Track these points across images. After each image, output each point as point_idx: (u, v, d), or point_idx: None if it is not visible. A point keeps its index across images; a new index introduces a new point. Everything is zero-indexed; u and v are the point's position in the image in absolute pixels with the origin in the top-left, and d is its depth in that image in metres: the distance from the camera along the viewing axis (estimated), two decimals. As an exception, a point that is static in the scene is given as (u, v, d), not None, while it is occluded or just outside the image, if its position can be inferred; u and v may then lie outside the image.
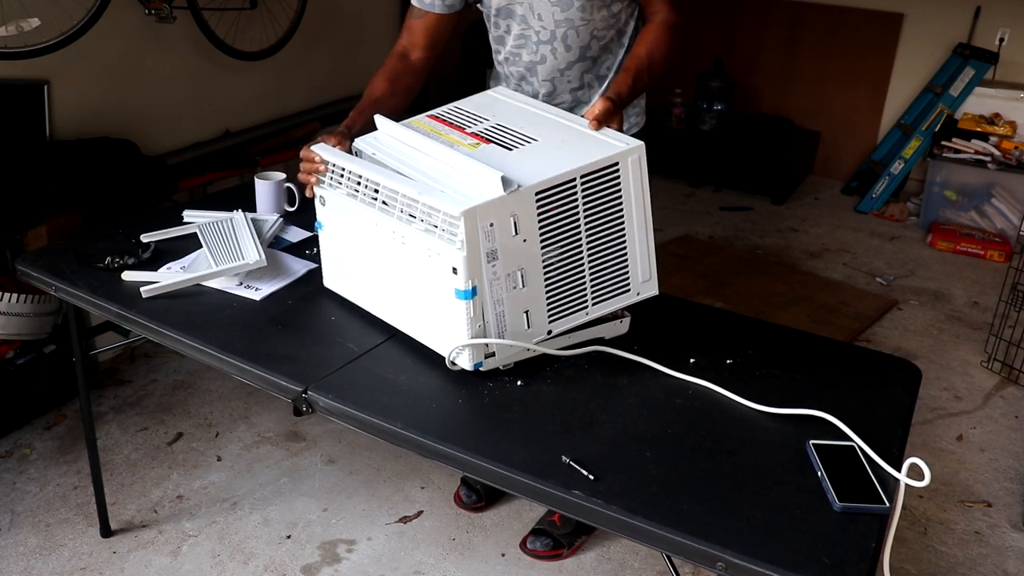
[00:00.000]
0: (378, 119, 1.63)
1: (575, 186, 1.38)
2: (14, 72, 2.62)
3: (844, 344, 1.75)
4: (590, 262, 1.44)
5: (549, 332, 1.44)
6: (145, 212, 2.77)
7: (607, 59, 1.87)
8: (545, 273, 1.39)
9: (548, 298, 1.41)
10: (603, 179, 1.40)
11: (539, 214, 1.35)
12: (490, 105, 1.66)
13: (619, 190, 1.43)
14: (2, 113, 2.64)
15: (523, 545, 2.12)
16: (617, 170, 1.41)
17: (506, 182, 1.31)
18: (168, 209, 2.09)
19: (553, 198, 1.36)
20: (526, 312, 1.39)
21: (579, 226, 1.40)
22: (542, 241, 1.37)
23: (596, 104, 1.53)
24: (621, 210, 1.44)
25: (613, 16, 1.81)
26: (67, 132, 2.83)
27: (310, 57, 3.87)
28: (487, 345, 1.39)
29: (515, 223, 1.32)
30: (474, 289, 1.32)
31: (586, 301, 1.46)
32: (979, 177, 4.29)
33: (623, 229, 1.46)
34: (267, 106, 3.73)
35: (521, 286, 1.36)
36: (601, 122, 1.51)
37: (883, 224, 4.54)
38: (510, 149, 1.45)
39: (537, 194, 1.34)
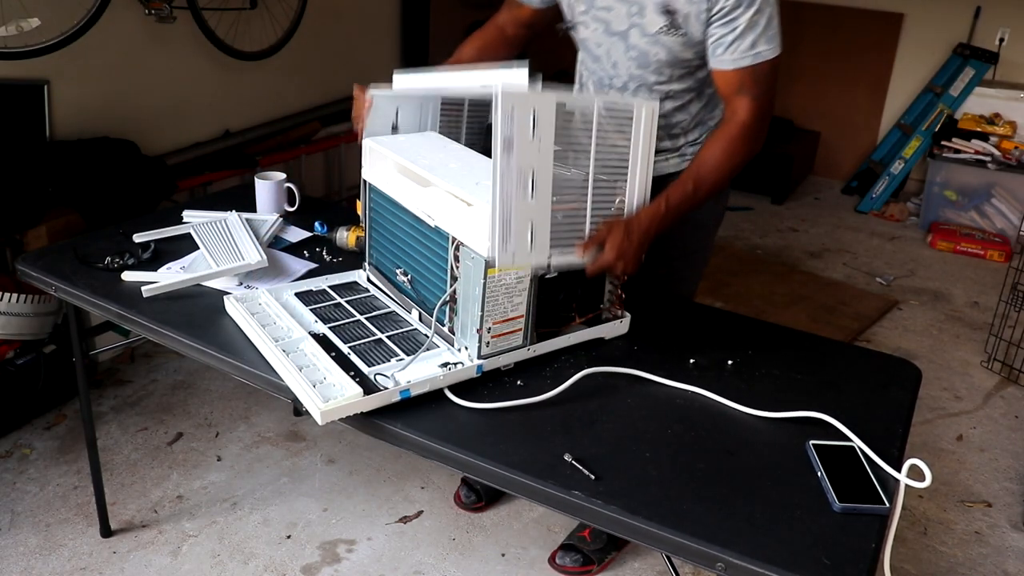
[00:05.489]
0: (397, 77, 1.63)
1: (592, 115, 1.40)
2: (14, 72, 2.62)
3: (844, 344, 1.75)
4: (594, 190, 1.45)
5: (549, 260, 1.41)
6: (145, 212, 2.76)
7: (681, 118, 1.77)
8: (553, 188, 1.39)
9: (552, 218, 1.40)
10: (619, 118, 1.43)
11: (557, 124, 1.35)
12: None
13: (628, 132, 1.45)
14: (2, 113, 2.64)
15: (552, 560, 2.09)
16: (631, 114, 1.45)
17: (532, 78, 1.33)
18: (168, 209, 2.09)
19: (571, 118, 1.38)
20: (531, 223, 1.37)
21: (589, 151, 1.41)
22: (555, 154, 1.37)
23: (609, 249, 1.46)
24: (627, 151, 1.46)
25: (696, 80, 1.70)
26: (67, 132, 2.83)
27: (310, 57, 3.87)
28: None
29: (534, 120, 1.32)
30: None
31: (583, 233, 1.46)
32: (979, 177, 4.30)
33: (626, 167, 1.48)
34: (267, 106, 3.73)
35: (530, 193, 1.36)
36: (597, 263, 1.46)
37: (883, 224, 4.54)
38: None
39: (559, 103, 1.35)
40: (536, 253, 1.40)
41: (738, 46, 1.54)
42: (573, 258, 1.44)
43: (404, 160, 1.52)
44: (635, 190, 1.50)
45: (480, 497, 2.26)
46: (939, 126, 4.51)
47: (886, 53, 4.77)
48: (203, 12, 3.15)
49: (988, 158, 4.27)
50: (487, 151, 1.50)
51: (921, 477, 1.17)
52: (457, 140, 1.70)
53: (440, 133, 1.72)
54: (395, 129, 1.70)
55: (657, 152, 1.81)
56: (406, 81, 1.63)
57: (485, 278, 1.34)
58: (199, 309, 1.61)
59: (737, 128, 1.59)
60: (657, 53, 1.62)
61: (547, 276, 1.43)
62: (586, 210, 1.45)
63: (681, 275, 1.92)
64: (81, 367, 1.97)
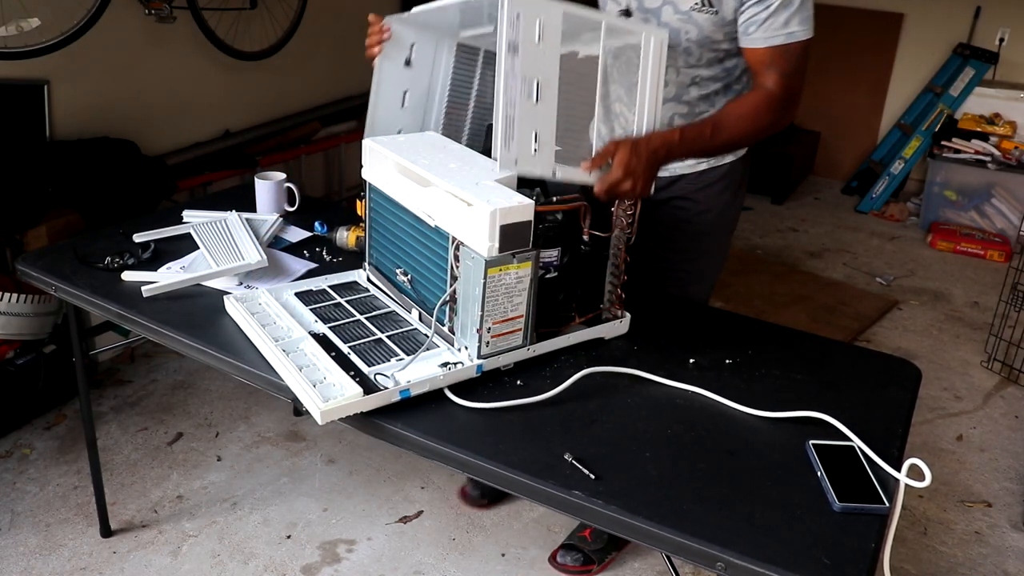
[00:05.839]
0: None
1: (600, 33, 1.39)
2: (14, 72, 2.62)
3: (844, 344, 1.75)
4: (601, 108, 1.44)
5: (553, 173, 1.40)
6: (145, 212, 2.77)
7: (705, 109, 1.75)
8: (559, 99, 1.37)
9: (558, 129, 1.38)
10: (626, 46, 1.43)
11: (563, 36, 1.34)
12: None
13: (637, 58, 1.45)
14: (2, 113, 2.64)
15: (552, 559, 2.10)
16: (639, 42, 1.44)
17: None
18: (168, 209, 2.09)
19: (579, 29, 1.37)
20: (535, 132, 1.36)
21: (595, 71, 1.40)
22: (561, 66, 1.36)
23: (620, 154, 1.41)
24: (635, 74, 1.46)
25: (725, 70, 1.70)
26: (67, 132, 2.83)
27: (310, 57, 3.87)
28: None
29: (540, 27, 1.31)
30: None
31: (590, 150, 1.44)
32: (979, 177, 4.30)
33: (634, 91, 1.47)
34: (267, 106, 3.73)
35: (535, 99, 1.34)
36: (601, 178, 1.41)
37: (883, 224, 4.54)
38: None
39: (566, 13, 1.34)
40: (540, 161, 1.38)
41: (771, 24, 1.55)
42: (580, 174, 1.43)
43: (404, 160, 1.52)
44: (643, 119, 1.49)
45: (484, 494, 2.26)
46: (939, 126, 4.51)
47: (886, 53, 4.77)
48: (203, 12, 3.15)
49: (988, 158, 4.27)
50: (487, 151, 1.50)
51: (921, 477, 1.17)
52: (459, 139, 1.69)
53: (442, 133, 1.72)
54: (408, 63, 1.68)
55: None
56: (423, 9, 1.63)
57: (485, 278, 1.34)
58: (199, 309, 1.61)
59: (764, 95, 1.59)
60: (688, 32, 1.63)
61: (547, 276, 1.43)
62: (592, 122, 1.43)
63: (695, 277, 1.92)
64: (81, 367, 1.97)
